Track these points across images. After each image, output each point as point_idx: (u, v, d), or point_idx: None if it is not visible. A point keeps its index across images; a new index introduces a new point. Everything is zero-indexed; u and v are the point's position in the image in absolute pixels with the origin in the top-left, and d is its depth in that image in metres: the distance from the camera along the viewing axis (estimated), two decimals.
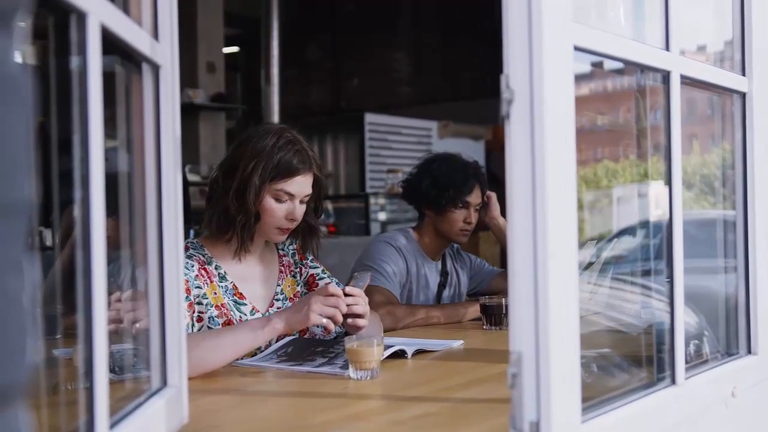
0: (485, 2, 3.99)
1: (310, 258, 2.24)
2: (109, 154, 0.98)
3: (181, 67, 1.29)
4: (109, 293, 0.95)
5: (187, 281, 1.92)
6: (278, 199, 2.00)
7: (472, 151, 5.96)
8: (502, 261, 4.75)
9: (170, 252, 1.24)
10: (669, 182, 1.38)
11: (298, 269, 2.20)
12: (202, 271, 1.99)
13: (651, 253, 1.55)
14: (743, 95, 1.65)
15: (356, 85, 9.47)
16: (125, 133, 1.19)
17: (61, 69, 0.93)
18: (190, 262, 1.97)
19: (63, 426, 0.99)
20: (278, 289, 2.13)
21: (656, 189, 1.48)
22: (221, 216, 2.01)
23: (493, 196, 2.88)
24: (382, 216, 7.21)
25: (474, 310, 2.60)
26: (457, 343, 2.15)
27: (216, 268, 2.03)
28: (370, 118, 7.81)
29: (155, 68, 1.22)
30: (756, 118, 1.64)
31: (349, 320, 1.92)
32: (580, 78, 1.14)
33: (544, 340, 1.03)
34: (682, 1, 1.41)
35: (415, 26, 9.21)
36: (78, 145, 0.91)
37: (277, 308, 2.08)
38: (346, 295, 1.90)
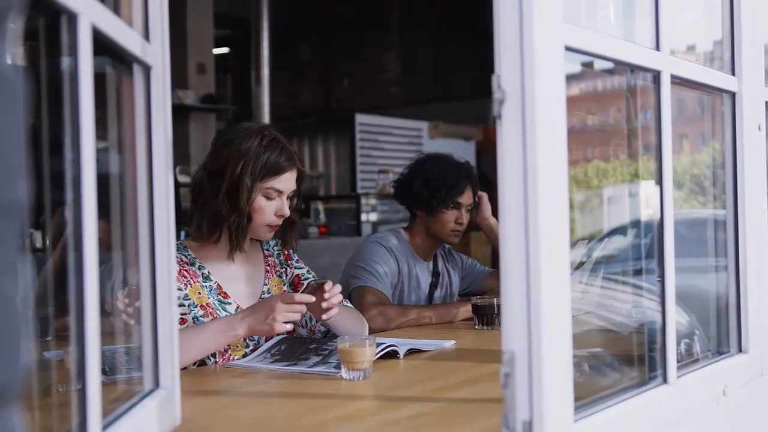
0: (476, 3, 4.00)
1: (295, 258, 2.26)
2: (101, 156, 0.97)
3: (171, 68, 1.28)
4: (101, 295, 0.94)
5: None
6: (268, 197, 2.03)
7: (463, 151, 5.96)
8: (494, 261, 4.77)
9: (162, 254, 1.24)
10: (660, 182, 1.38)
11: (283, 269, 2.22)
12: (184, 272, 2.00)
13: (642, 252, 1.56)
14: (733, 95, 1.65)
15: (347, 86, 9.47)
16: (117, 134, 1.19)
17: (52, 70, 0.92)
18: None
19: (55, 428, 0.99)
20: (265, 288, 2.15)
21: (647, 189, 1.48)
22: (211, 218, 2.02)
23: (485, 196, 2.88)
24: (374, 216, 7.21)
25: (465, 310, 2.60)
26: (449, 343, 2.16)
27: (199, 269, 2.05)
28: (360, 118, 7.81)
29: (146, 69, 1.22)
30: (745, 117, 1.65)
31: (324, 316, 1.96)
32: (571, 78, 1.14)
33: (537, 340, 1.03)
34: (672, 1, 1.42)
35: (406, 27, 9.22)
36: (69, 147, 0.91)
37: None
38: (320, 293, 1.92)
